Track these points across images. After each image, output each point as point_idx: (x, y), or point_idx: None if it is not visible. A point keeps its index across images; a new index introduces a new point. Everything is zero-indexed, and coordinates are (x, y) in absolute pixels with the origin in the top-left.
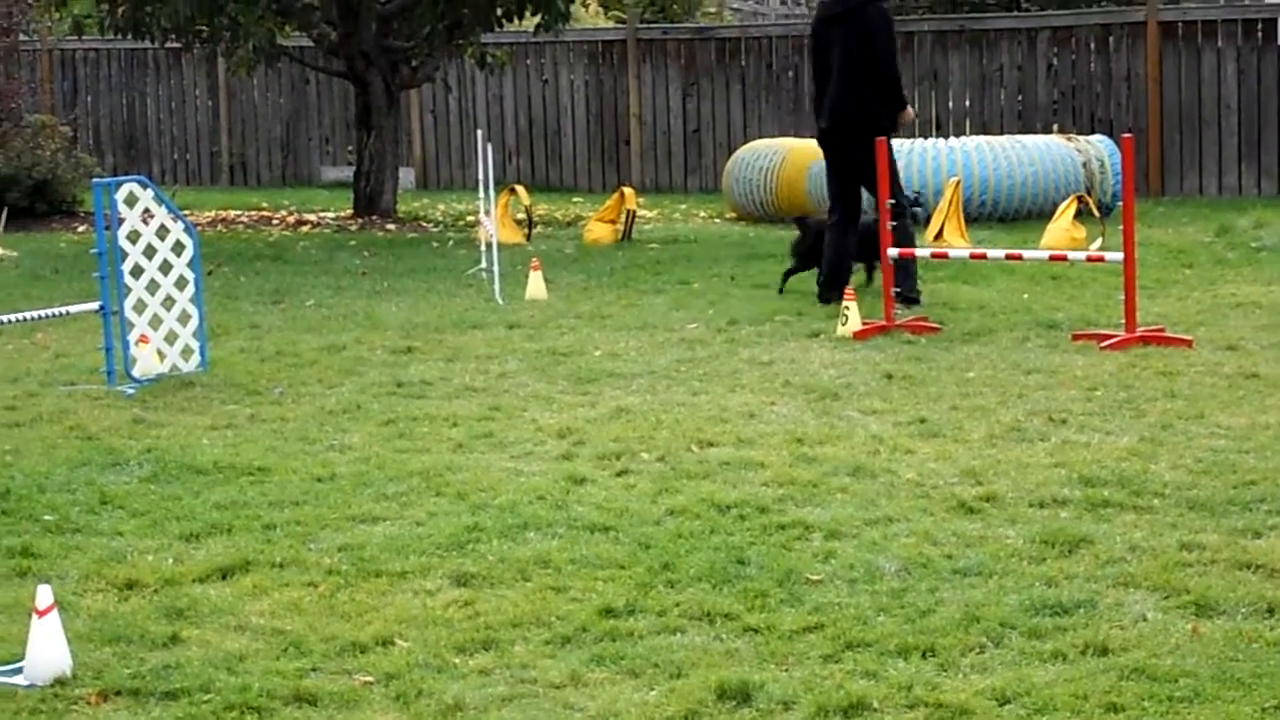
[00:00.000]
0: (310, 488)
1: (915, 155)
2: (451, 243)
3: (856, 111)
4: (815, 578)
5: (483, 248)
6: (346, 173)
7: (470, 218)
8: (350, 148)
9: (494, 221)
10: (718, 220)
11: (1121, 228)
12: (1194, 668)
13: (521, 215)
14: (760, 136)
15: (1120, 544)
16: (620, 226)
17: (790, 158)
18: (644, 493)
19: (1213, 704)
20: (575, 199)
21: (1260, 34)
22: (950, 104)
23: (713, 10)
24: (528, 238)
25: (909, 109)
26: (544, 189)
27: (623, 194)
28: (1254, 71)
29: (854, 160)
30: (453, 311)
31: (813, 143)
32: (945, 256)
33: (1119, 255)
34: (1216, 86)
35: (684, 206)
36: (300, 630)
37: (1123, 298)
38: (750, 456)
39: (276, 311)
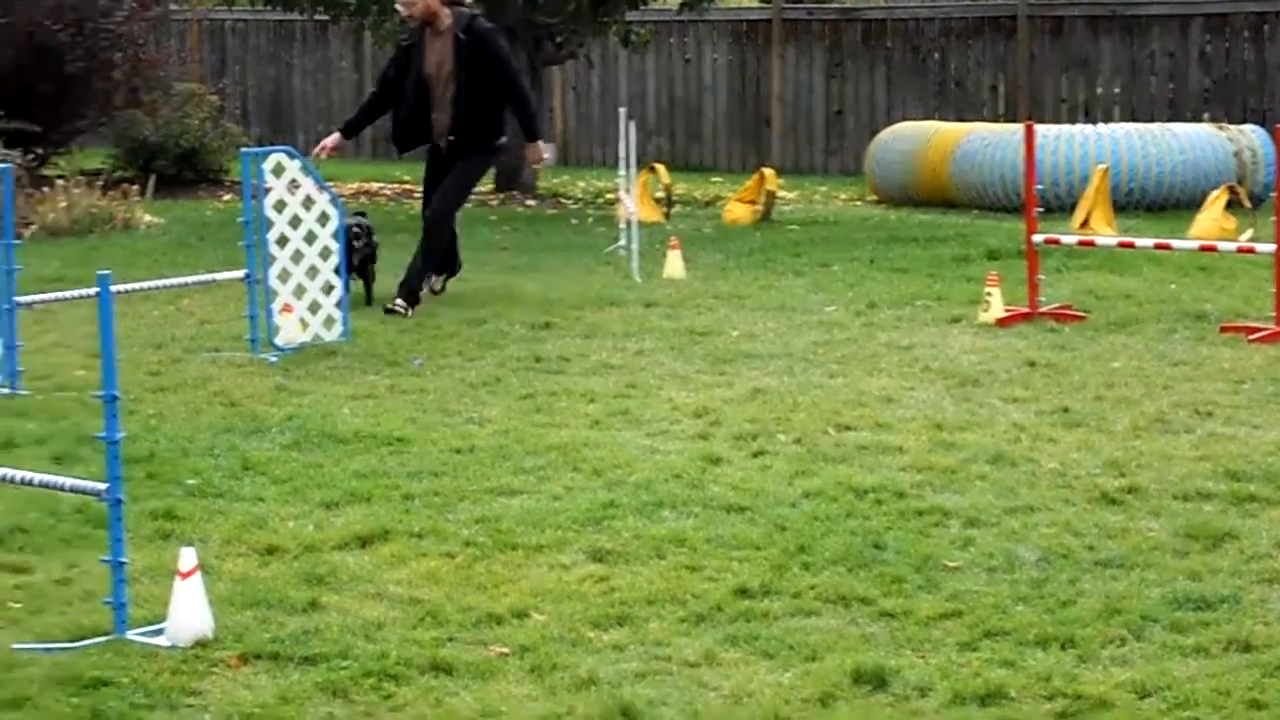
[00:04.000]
0: (449, 459)
1: (1063, 141)
2: (590, 220)
3: None
4: (953, 565)
5: (622, 225)
6: None
7: (610, 195)
8: None
9: (634, 199)
10: (858, 203)
11: (1273, 219)
12: None
13: (661, 194)
14: (904, 119)
15: (1266, 540)
16: (760, 207)
17: (933, 141)
18: (780, 474)
19: None
20: (714, 179)
21: None
22: (1100, 90)
23: None
24: (666, 216)
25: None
26: (683, 168)
27: (763, 175)
28: None
29: None
30: (591, 288)
31: (957, 126)
32: (1092, 244)
33: (1270, 247)
34: None
35: (824, 188)
36: (437, 600)
37: (1273, 290)
38: (888, 441)
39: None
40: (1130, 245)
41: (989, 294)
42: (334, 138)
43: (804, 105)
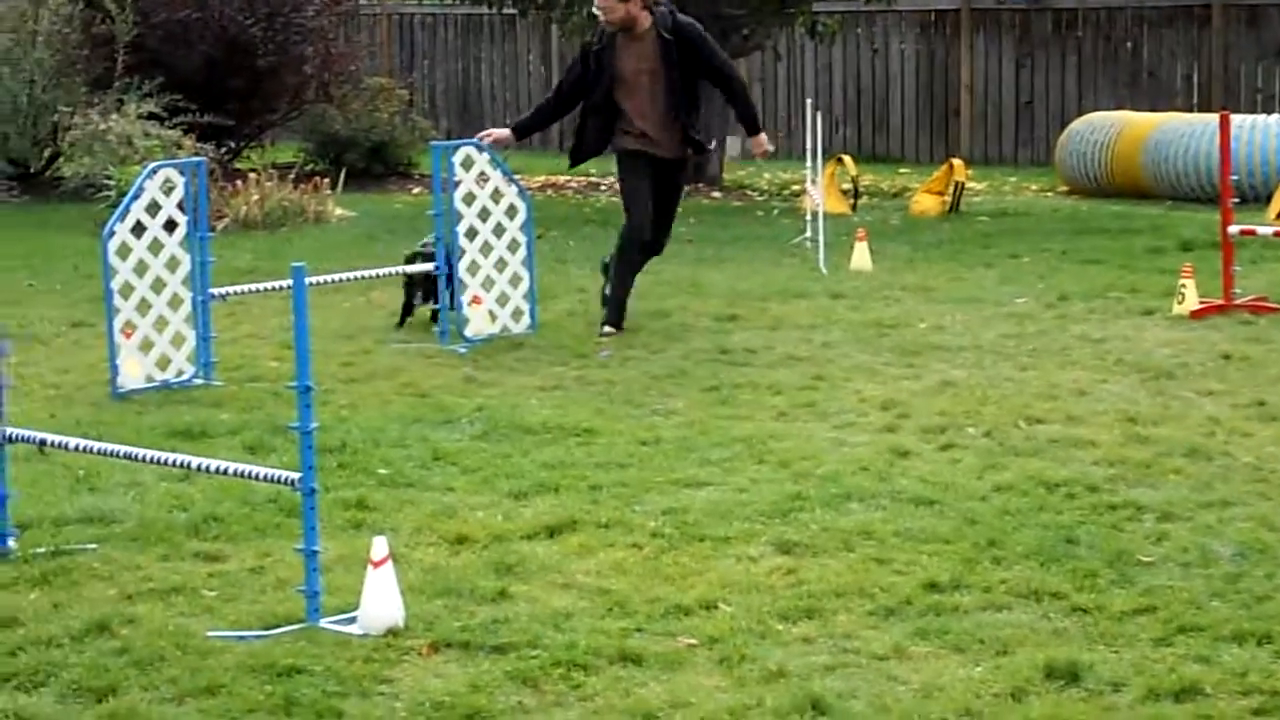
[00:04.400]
0: (635, 450)
1: (1258, 131)
2: (776, 211)
3: None
4: (1147, 559)
5: (808, 217)
6: None
7: (796, 187)
8: None
9: (820, 191)
10: (1049, 194)
11: None
12: None
13: (848, 185)
14: (1095, 109)
15: None
16: (948, 198)
17: (1126, 132)
18: (969, 468)
19: None
20: (902, 170)
21: None
22: None
23: None
24: (853, 208)
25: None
26: (870, 159)
27: (951, 165)
28: None
29: None
30: (777, 280)
31: (1150, 116)
32: None
33: None
34: None
35: (1014, 179)
36: (625, 591)
37: None
38: (1080, 435)
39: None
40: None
41: (1183, 286)
42: (504, 132)
43: (993, 96)
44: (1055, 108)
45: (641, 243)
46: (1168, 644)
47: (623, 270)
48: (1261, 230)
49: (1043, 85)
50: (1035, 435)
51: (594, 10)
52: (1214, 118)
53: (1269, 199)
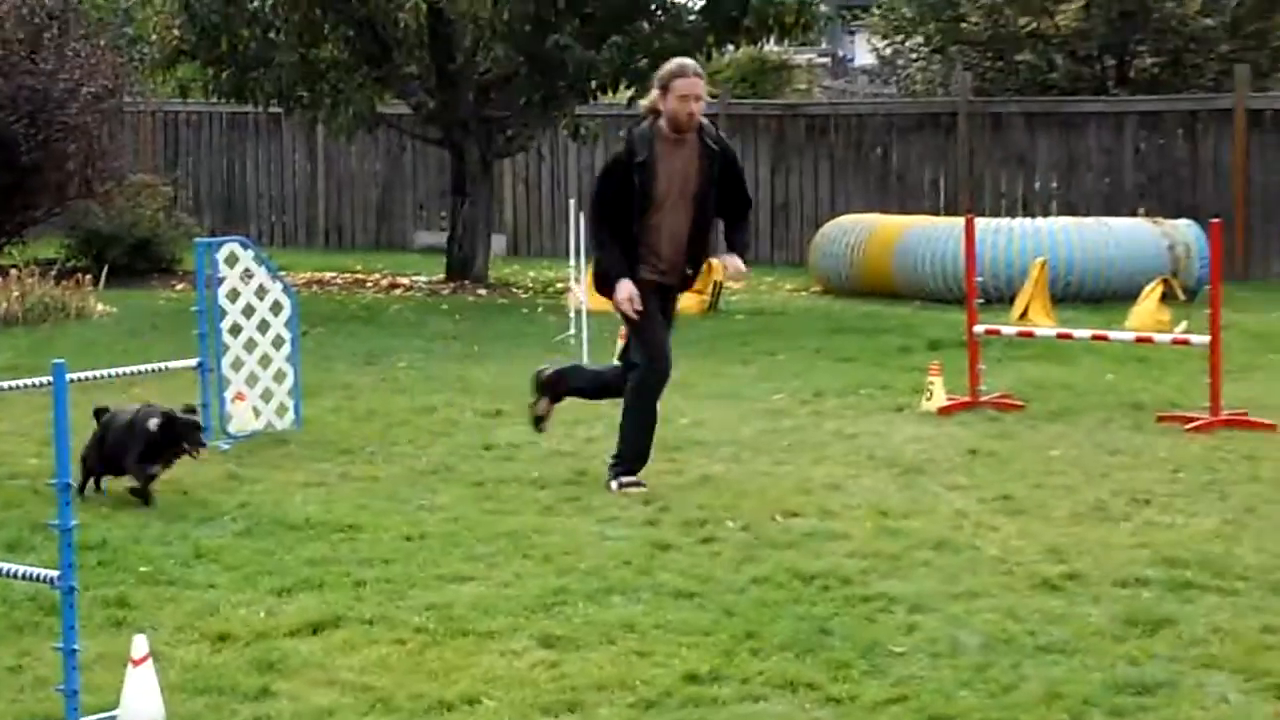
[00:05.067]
0: (400, 546)
1: (1002, 235)
2: (541, 309)
3: None
4: (899, 650)
5: (572, 314)
6: (440, 238)
7: (560, 285)
8: (444, 213)
9: (584, 289)
10: (803, 293)
11: (1207, 311)
12: None
13: None
14: (847, 212)
15: (1203, 625)
16: (707, 297)
17: (876, 234)
18: (728, 560)
19: None
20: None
21: None
22: (1037, 185)
23: (803, 87)
24: None
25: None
26: None
27: (710, 266)
28: None
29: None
30: None
31: (899, 219)
32: (1031, 335)
33: (1205, 338)
34: None
35: (770, 279)
36: (388, 687)
37: (1208, 381)
38: (834, 528)
39: (369, 372)
40: (1068, 336)
41: (931, 383)
42: (630, 288)
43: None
44: (809, 210)
45: (662, 375)
46: None
47: (645, 411)
48: (1005, 330)
49: (797, 188)
50: (791, 528)
51: (690, 110)
52: (960, 221)
53: (1012, 300)
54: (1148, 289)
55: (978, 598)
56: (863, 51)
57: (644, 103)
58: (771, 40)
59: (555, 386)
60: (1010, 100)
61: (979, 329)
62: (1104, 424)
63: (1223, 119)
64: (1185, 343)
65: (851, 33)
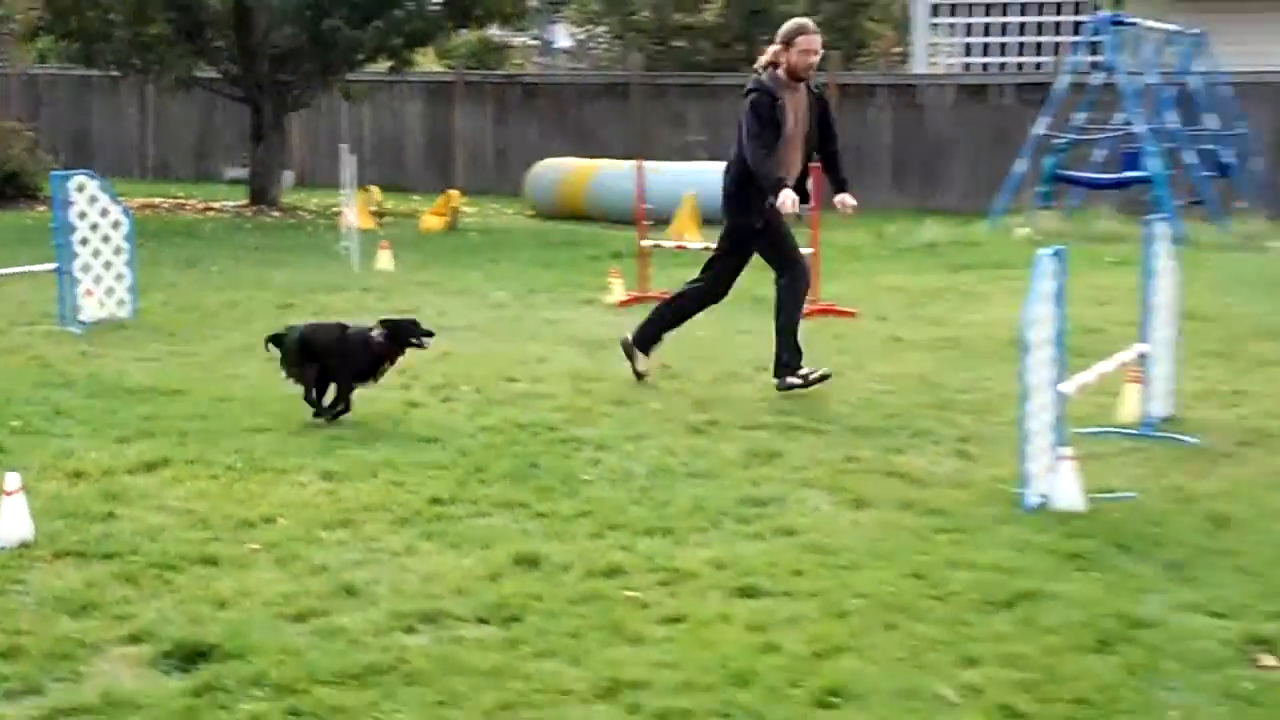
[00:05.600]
0: (214, 405)
1: (664, 175)
2: (322, 227)
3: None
4: (587, 478)
5: (344, 231)
6: (243, 173)
7: (336, 209)
8: (245, 154)
9: (354, 212)
10: (520, 217)
11: (809, 231)
12: (853, 545)
13: (374, 208)
14: (551, 156)
15: (803, 457)
16: (448, 219)
17: (574, 172)
18: (463, 414)
19: (866, 570)
20: (414, 197)
21: (913, 94)
22: (690, 138)
23: (518, 62)
24: (379, 225)
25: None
26: (391, 189)
27: (449, 195)
28: (904, 123)
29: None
30: (322, 278)
31: (591, 161)
32: (684, 248)
33: (809, 250)
34: (878, 132)
35: (495, 206)
36: (206, 510)
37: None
38: (542, 389)
39: (189, 274)
40: (711, 248)
41: (612, 283)
42: (791, 194)
43: (480, 144)
44: (523, 154)
45: (804, 273)
46: (601, 537)
47: (797, 312)
48: (665, 244)
49: (514, 137)
50: (510, 390)
51: (810, 54)
52: (634, 163)
53: (670, 222)
54: None
55: (644, 439)
56: (562, 36)
57: (764, 56)
58: (495, 26)
59: (643, 342)
60: (670, 75)
61: (646, 243)
62: (737, 311)
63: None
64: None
65: (554, 21)
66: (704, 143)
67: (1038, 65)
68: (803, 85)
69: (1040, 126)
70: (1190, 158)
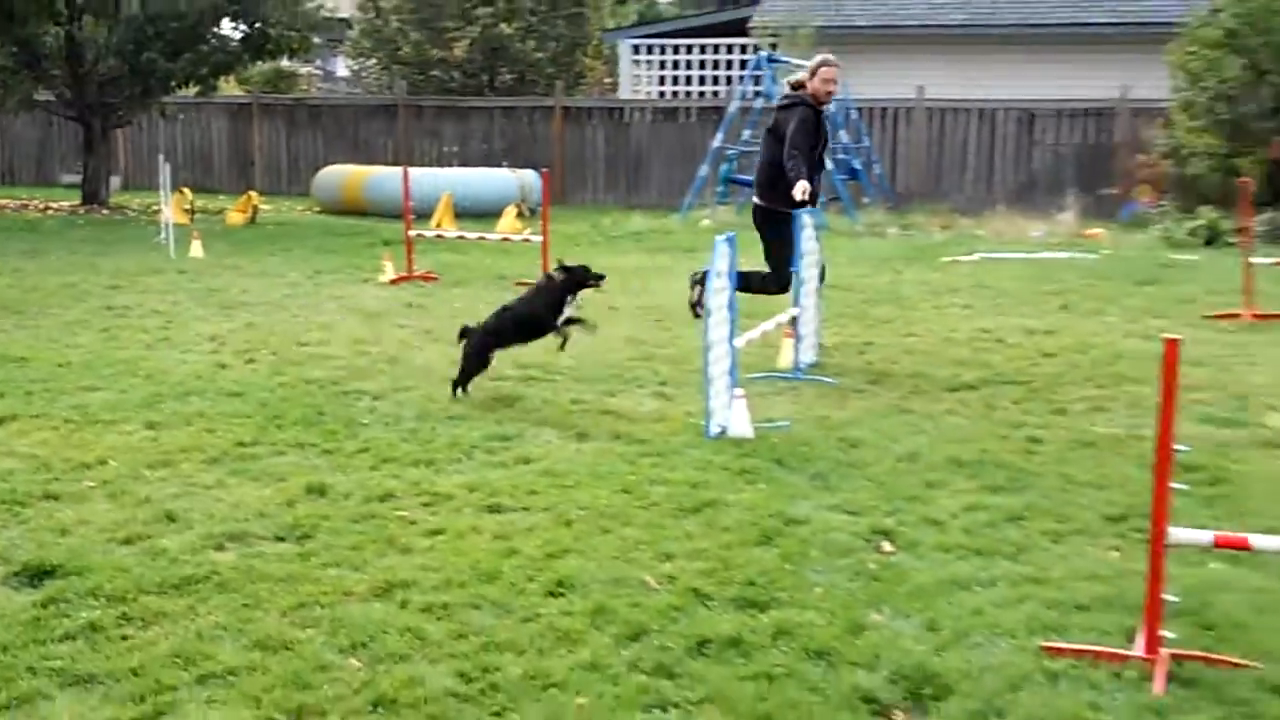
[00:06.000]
0: (54, 370)
1: (426, 178)
2: (144, 222)
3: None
4: (365, 422)
5: (162, 225)
6: (77, 178)
7: (155, 208)
8: (79, 162)
9: (170, 210)
10: (309, 212)
11: (539, 222)
12: (576, 469)
13: (187, 207)
14: (335, 163)
15: (538, 400)
16: (248, 215)
17: (353, 176)
18: (263, 373)
19: (586, 488)
20: (220, 197)
21: (621, 115)
22: (445, 150)
23: (305, 88)
24: (191, 220)
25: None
26: (201, 191)
27: (249, 195)
28: (614, 138)
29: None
30: (144, 264)
31: (367, 167)
32: (442, 237)
33: (539, 238)
34: (594, 145)
35: (288, 204)
36: (48, 455)
37: (541, 263)
38: (328, 351)
39: (33, 261)
40: (464, 237)
41: (385, 265)
42: (806, 184)
43: (276, 155)
44: (312, 161)
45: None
46: (376, 469)
47: (748, 292)
48: (427, 234)
49: (303, 148)
50: (303, 353)
51: (829, 85)
52: (401, 169)
53: (431, 216)
54: (508, 209)
55: (411, 389)
56: (341, 66)
57: (792, 79)
58: (285, 58)
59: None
60: (428, 98)
61: (413, 233)
62: (484, 288)
63: (548, 113)
64: (528, 241)
65: (334, 55)
66: (456, 153)
67: (715, 93)
68: (821, 110)
69: (717, 141)
70: (829, 163)
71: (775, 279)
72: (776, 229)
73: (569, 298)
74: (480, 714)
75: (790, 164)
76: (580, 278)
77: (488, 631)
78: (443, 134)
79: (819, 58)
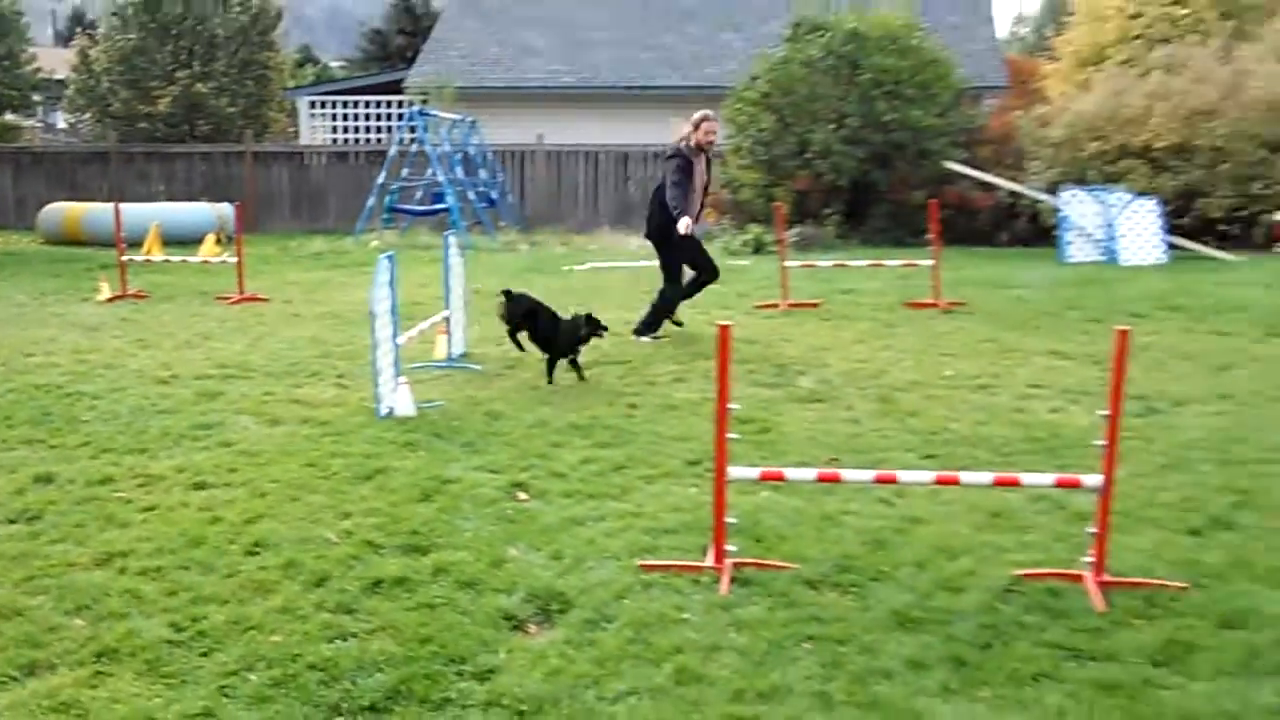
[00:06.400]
0: None
1: (138, 214)
2: None
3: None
4: (86, 419)
5: None
6: None
7: None
8: None
9: None
10: (35, 244)
11: (236, 248)
12: (270, 448)
13: None
14: (56, 201)
15: (236, 394)
16: None
17: (73, 211)
18: None
19: (278, 465)
20: None
21: (301, 158)
22: (156, 188)
23: (29, 138)
24: None
25: (681, 221)
26: None
27: None
28: (296, 177)
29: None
30: None
31: (85, 204)
32: (151, 262)
33: (234, 259)
34: (280, 182)
35: (16, 237)
36: None
37: (237, 280)
38: (53, 360)
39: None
40: (169, 260)
41: (102, 286)
42: (689, 221)
43: (4, 195)
44: (35, 201)
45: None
46: (96, 459)
47: (691, 294)
48: (136, 259)
49: (29, 189)
50: (30, 364)
51: (711, 136)
52: (112, 204)
53: (141, 244)
54: (207, 237)
55: (126, 389)
56: (61, 120)
57: (681, 131)
58: (8, 113)
59: (651, 328)
60: (137, 146)
61: (125, 259)
62: (188, 303)
63: (240, 157)
64: (225, 261)
65: (54, 110)
66: (163, 191)
67: (378, 139)
68: (704, 154)
69: (381, 178)
70: (472, 195)
71: (668, 280)
72: (667, 245)
73: (580, 346)
74: (191, 656)
75: (673, 203)
76: (595, 329)
77: (195, 587)
78: (151, 175)
79: (700, 114)
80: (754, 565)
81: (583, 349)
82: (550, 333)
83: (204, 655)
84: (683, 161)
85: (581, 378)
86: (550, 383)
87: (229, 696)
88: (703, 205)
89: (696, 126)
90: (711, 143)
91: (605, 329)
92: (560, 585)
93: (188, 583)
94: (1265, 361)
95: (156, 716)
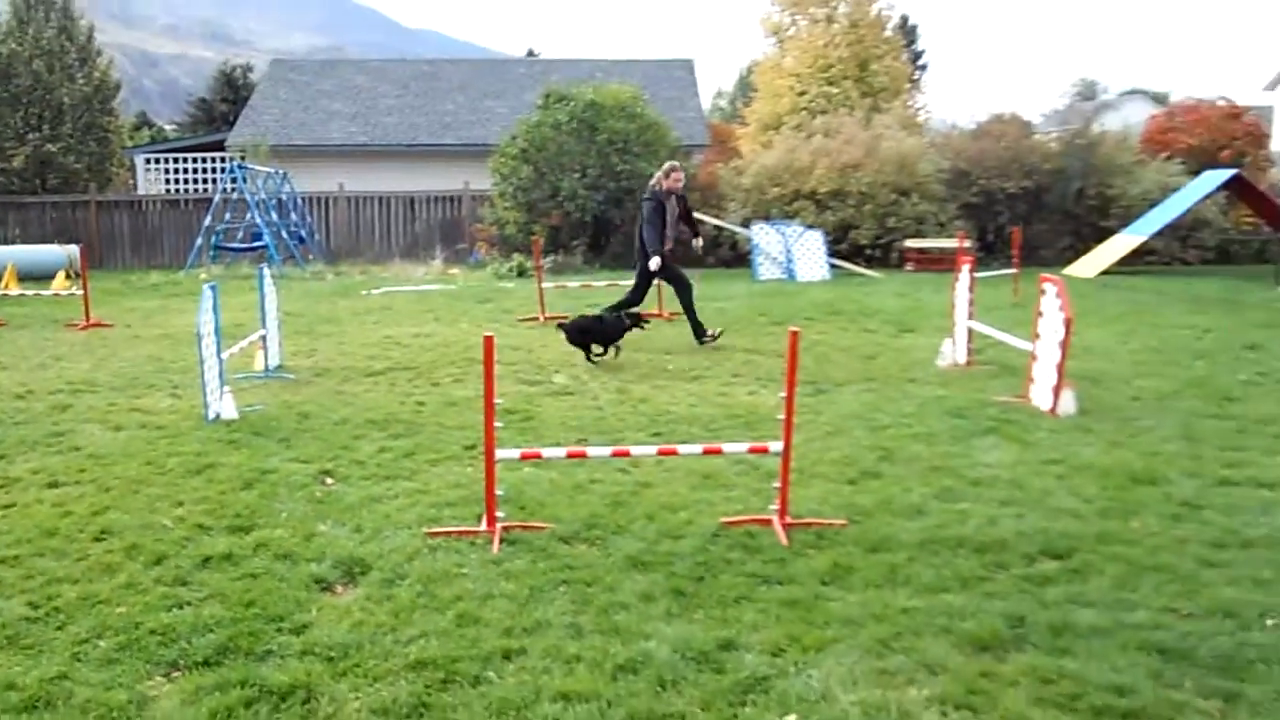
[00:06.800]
0: None
1: (42, 253)
2: None
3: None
4: None
5: None
6: None
7: None
8: None
9: None
10: None
11: (82, 281)
12: (114, 451)
13: None
14: None
15: (85, 406)
16: None
17: None
18: None
19: (121, 464)
20: None
21: (139, 205)
22: (9, 234)
23: None
24: None
25: (653, 260)
26: None
27: None
28: (135, 221)
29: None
30: None
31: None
32: (8, 296)
33: (81, 291)
34: (121, 226)
35: None
36: None
37: (83, 308)
38: None
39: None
40: (24, 294)
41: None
42: (658, 261)
43: None
44: None
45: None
46: None
47: (692, 309)
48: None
49: None
50: None
51: (676, 179)
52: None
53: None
54: (59, 273)
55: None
56: None
57: (656, 176)
58: None
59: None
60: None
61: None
62: (43, 328)
63: (86, 205)
64: (74, 294)
65: None
66: (19, 235)
67: (205, 189)
68: (674, 196)
69: (208, 221)
70: (285, 234)
71: (633, 293)
72: (644, 271)
73: (620, 340)
74: (47, 629)
75: (649, 241)
76: (636, 323)
77: (49, 571)
78: (8, 222)
79: (669, 164)
80: (519, 528)
81: (620, 340)
82: (602, 331)
83: (58, 629)
84: (656, 204)
85: (616, 355)
86: (599, 358)
87: (81, 661)
88: (675, 241)
89: (667, 175)
90: (677, 188)
91: (648, 322)
92: (361, 552)
93: (42, 567)
94: (897, 351)
95: (17, 683)
